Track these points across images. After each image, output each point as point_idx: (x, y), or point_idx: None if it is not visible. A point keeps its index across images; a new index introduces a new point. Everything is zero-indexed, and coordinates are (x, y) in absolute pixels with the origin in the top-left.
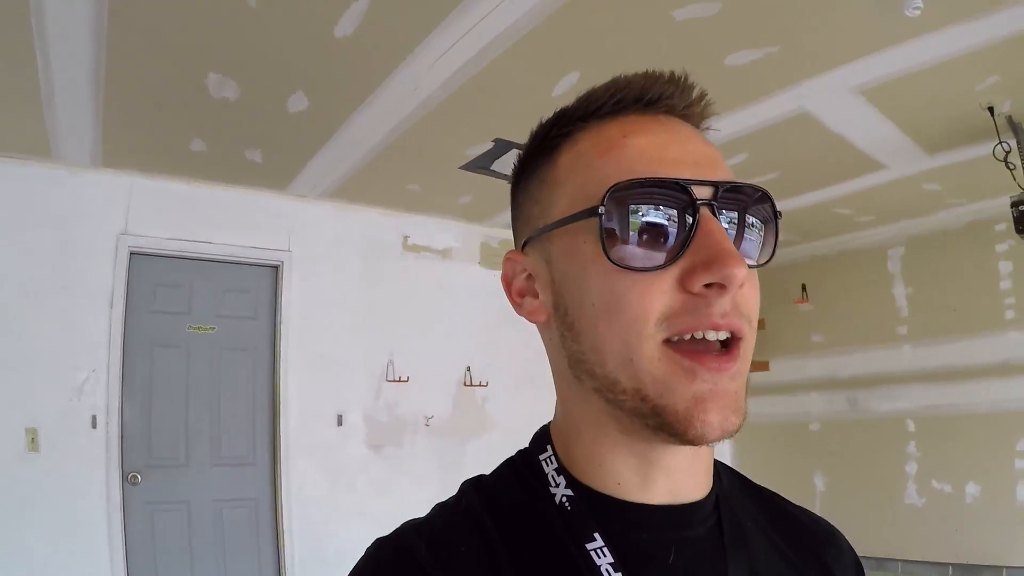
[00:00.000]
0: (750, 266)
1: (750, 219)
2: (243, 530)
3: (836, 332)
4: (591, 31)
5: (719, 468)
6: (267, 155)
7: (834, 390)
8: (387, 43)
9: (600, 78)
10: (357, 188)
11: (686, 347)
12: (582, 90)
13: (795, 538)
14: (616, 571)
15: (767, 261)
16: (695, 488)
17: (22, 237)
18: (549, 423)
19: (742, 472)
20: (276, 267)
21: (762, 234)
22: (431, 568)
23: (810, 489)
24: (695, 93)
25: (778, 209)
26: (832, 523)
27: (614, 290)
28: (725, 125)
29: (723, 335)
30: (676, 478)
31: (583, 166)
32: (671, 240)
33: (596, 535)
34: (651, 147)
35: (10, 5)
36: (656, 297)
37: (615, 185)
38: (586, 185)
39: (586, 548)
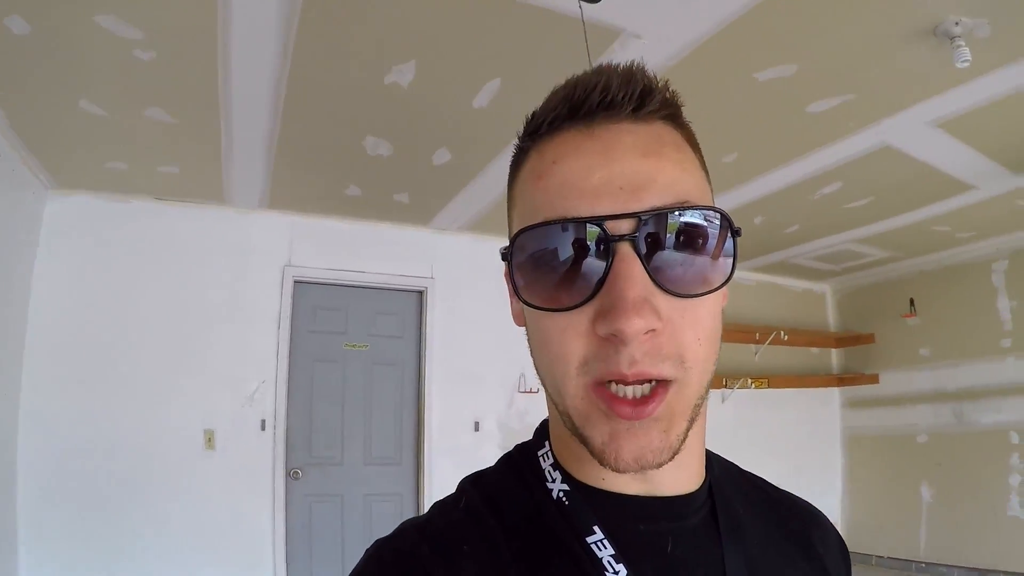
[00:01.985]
0: (690, 295)
1: (690, 244)
2: (390, 521)
3: (943, 345)
4: (690, 94)
5: (710, 457)
6: (413, 197)
7: (941, 402)
8: (516, 111)
9: (699, 132)
10: (492, 221)
11: (605, 392)
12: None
13: (784, 521)
14: (618, 563)
15: (723, 283)
16: (686, 481)
17: (201, 269)
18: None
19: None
20: (421, 292)
21: (710, 257)
22: (434, 568)
23: (916, 499)
24: (638, 89)
25: (735, 226)
26: (938, 533)
27: (539, 327)
28: (815, 161)
29: (639, 386)
30: (658, 479)
31: (523, 192)
32: (587, 279)
33: (596, 528)
34: (575, 174)
35: (203, 89)
36: (573, 339)
37: (518, 231)
38: (523, 215)
39: (587, 542)
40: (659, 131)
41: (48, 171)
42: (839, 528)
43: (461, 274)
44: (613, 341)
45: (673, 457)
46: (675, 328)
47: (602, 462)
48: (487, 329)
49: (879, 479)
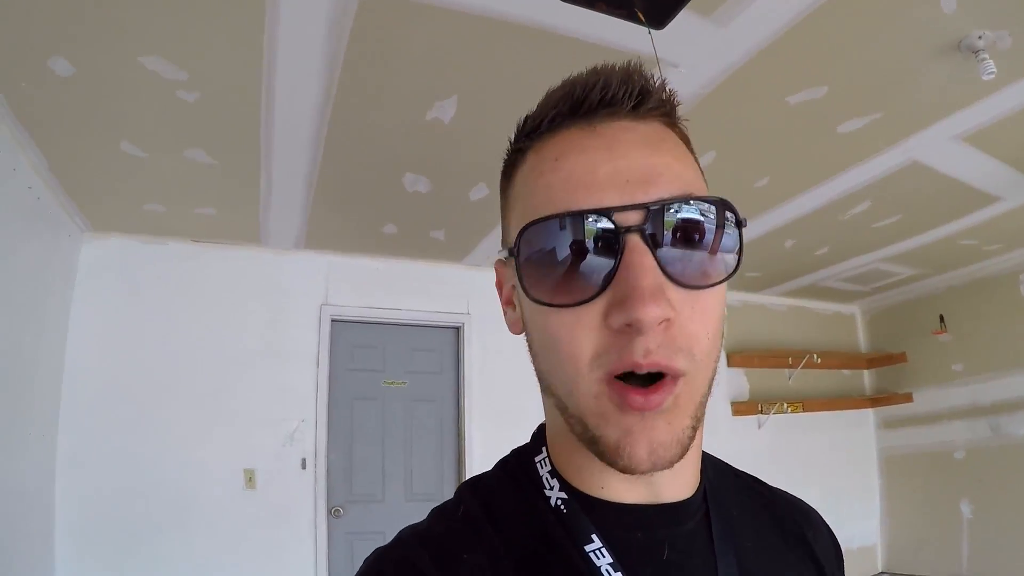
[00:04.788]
0: (699, 287)
1: (698, 235)
2: None
3: (975, 360)
4: (724, 121)
5: (705, 460)
6: (449, 234)
7: (976, 417)
8: None
9: (733, 158)
10: None
11: (616, 384)
12: (714, 173)
13: (779, 522)
14: (616, 571)
15: (730, 274)
16: (681, 488)
17: (238, 310)
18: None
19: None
20: (458, 328)
21: (717, 248)
22: None
23: (957, 517)
24: (640, 88)
25: (741, 216)
26: (981, 549)
27: (547, 326)
28: (845, 180)
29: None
30: (658, 485)
31: (524, 191)
32: (596, 272)
33: (594, 536)
34: (579, 169)
35: (246, 130)
36: (584, 334)
37: (525, 226)
38: (525, 212)
39: (585, 550)
40: (657, 129)
41: (84, 214)
42: (879, 550)
43: (497, 309)
44: (627, 332)
45: (684, 454)
46: (684, 320)
47: (616, 461)
48: (524, 363)
49: (918, 498)
